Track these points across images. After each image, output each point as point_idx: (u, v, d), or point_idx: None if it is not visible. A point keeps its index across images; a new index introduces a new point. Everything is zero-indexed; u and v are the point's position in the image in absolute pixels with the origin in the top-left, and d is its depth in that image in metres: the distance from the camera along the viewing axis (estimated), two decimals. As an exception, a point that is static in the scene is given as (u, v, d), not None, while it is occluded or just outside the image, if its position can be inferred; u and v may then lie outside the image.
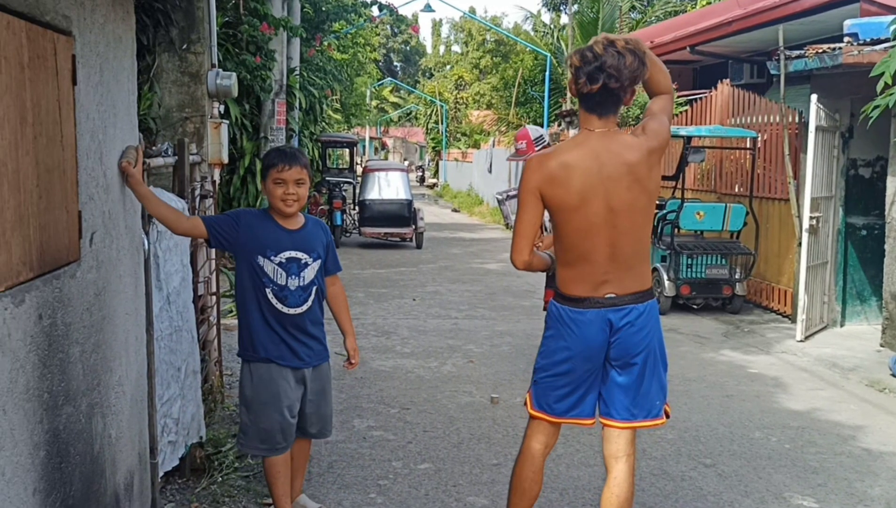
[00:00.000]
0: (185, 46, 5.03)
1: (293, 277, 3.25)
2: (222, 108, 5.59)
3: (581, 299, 2.94)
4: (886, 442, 4.90)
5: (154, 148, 4.50)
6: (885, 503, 4.02)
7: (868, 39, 6.87)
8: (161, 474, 3.48)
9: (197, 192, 4.71)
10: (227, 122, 5.52)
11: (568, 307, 2.97)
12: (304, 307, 3.27)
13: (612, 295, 2.91)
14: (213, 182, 5.27)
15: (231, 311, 8.03)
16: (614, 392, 3.01)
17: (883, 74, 5.18)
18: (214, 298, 5.17)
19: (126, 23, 2.87)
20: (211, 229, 3.20)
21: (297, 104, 12.56)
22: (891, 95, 5.27)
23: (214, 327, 5.23)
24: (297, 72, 12.40)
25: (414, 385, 5.83)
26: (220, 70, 5.29)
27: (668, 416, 3.10)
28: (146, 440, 3.31)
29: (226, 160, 5.43)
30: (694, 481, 4.22)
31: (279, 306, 3.23)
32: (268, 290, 3.22)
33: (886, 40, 6.48)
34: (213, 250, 5.14)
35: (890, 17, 6.62)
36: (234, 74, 5.35)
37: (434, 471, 4.26)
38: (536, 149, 5.71)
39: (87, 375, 2.53)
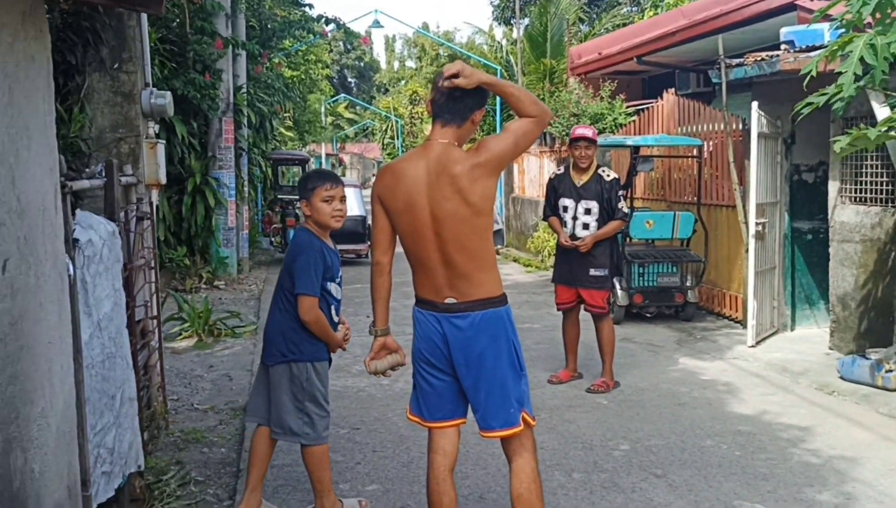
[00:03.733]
0: (116, 66, 4.91)
1: (341, 289, 3.82)
2: (157, 127, 5.48)
3: (424, 302, 3.15)
4: (834, 445, 4.93)
5: (87, 170, 4.37)
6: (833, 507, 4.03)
7: (804, 46, 6.98)
8: (94, 506, 3.35)
9: (132, 214, 4.59)
10: (164, 141, 5.41)
11: (416, 308, 3.20)
12: None
13: (452, 300, 3.06)
14: (151, 203, 5.15)
15: (180, 334, 7.87)
16: (469, 401, 3.19)
17: (813, 75, 5.24)
18: (155, 321, 5.04)
19: (39, 42, 2.76)
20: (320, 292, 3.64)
21: (245, 122, 12.43)
22: (823, 94, 5.32)
23: (156, 351, 5.10)
24: (245, 90, 12.28)
25: (365, 405, 5.74)
26: (155, 89, 5.18)
27: (528, 425, 3.16)
28: (76, 473, 3.17)
29: (163, 181, 5.31)
30: (644, 492, 4.19)
31: (335, 317, 3.78)
32: (332, 307, 3.74)
33: (822, 46, 6.58)
34: (153, 273, 5.02)
35: (825, 25, 6.72)
36: (170, 94, 5.26)
37: (382, 492, 4.18)
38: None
39: (3, 408, 2.41)
